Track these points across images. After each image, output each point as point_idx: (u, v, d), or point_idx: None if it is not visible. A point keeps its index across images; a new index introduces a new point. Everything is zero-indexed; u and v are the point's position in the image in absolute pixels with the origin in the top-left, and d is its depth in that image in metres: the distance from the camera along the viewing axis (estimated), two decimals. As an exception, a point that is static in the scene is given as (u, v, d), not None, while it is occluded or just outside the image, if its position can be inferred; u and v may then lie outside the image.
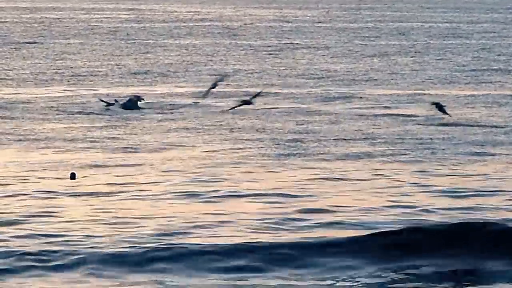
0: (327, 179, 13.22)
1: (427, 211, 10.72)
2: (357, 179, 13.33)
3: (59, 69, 31.41)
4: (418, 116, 21.32)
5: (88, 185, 12.51)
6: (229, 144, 17.06)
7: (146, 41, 44.72)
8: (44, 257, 7.78)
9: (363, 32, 53.71)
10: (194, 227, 9.53)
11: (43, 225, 9.49)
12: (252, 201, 11.47)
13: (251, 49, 41.01)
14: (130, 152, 16.01)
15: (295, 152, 16.15)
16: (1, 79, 28.38)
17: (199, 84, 27.15)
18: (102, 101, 22.13)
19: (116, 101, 21.98)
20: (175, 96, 24.89)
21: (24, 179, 12.83)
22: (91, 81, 28.73)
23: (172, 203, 11.27)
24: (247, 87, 26.60)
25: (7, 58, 35.27)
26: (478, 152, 16.37)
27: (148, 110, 21.63)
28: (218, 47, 41.82)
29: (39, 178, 12.94)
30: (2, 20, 59.42)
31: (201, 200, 11.52)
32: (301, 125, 19.77)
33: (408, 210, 10.73)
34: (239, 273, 8.05)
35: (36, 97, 23.87)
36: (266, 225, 9.64)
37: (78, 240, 8.54)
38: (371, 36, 50.34)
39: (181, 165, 14.69)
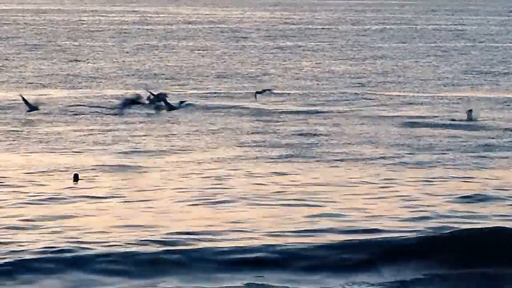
0: (335, 184, 13.13)
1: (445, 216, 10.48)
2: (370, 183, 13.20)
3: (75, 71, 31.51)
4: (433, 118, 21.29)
5: (95, 188, 12.50)
6: (236, 147, 17.00)
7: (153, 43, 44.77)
8: (51, 257, 7.76)
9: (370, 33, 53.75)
10: (203, 232, 9.45)
11: (50, 226, 9.46)
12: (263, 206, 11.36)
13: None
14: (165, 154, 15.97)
15: (309, 155, 16.05)
16: (11, 82, 28.38)
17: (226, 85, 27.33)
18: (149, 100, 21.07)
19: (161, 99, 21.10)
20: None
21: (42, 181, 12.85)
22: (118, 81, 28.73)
23: (181, 208, 11.23)
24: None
25: (13, 60, 35.30)
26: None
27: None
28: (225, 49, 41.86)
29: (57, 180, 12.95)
30: (8, 22, 59.53)
31: (206, 204, 11.47)
32: (312, 127, 19.70)
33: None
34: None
35: (55, 98, 23.87)
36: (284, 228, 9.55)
37: (85, 242, 8.52)
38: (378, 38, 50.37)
39: (189, 168, 14.65)
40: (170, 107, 21.22)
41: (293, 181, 13.43)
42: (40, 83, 28.00)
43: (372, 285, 7.77)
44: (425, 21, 68.71)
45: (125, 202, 11.48)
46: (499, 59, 38.24)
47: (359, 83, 29.19)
